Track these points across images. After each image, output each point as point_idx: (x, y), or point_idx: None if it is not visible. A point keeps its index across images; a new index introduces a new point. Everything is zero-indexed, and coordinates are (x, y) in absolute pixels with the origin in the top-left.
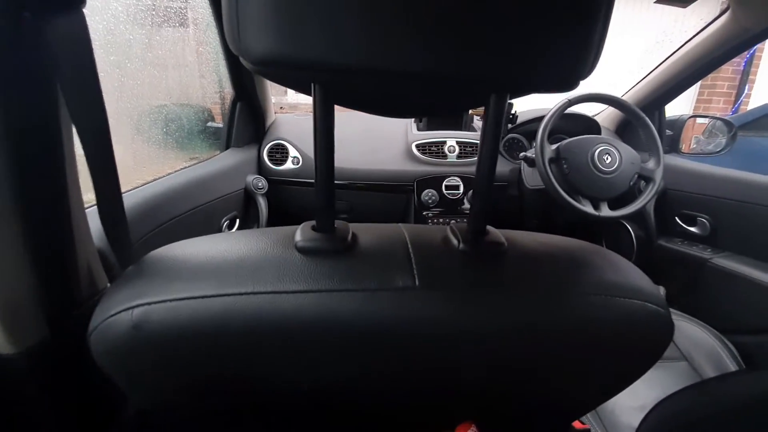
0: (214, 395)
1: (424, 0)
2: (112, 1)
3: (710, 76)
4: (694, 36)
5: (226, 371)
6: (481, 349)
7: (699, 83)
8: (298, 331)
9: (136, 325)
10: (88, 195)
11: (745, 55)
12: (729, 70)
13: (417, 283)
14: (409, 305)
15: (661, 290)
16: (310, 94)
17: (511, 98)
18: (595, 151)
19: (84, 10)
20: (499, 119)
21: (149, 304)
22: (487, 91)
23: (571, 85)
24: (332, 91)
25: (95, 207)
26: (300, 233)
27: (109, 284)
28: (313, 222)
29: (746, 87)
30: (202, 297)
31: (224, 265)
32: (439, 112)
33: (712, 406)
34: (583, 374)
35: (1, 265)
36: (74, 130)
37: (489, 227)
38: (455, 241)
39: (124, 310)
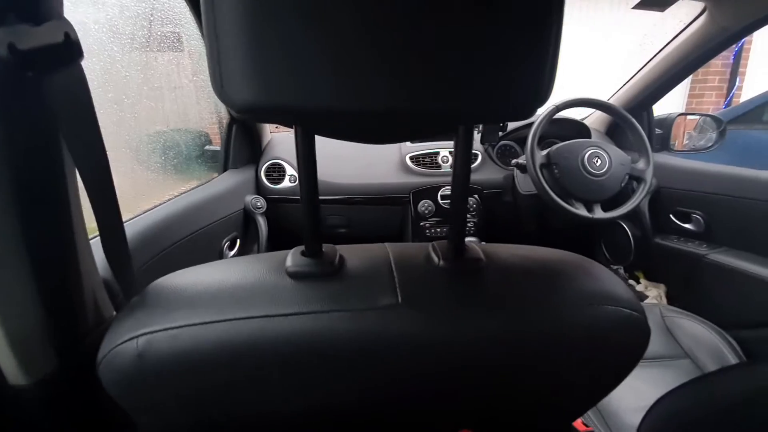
0: (216, 420)
1: (388, 47)
2: (108, 43)
3: (701, 71)
4: (674, 38)
5: (226, 395)
6: (464, 362)
7: (690, 78)
8: (291, 352)
9: (141, 353)
10: (93, 224)
11: (734, 49)
12: (719, 64)
13: (400, 300)
14: (393, 323)
15: (662, 288)
16: (292, 128)
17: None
18: (585, 154)
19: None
20: (468, 148)
21: (152, 332)
22: (454, 123)
23: (529, 113)
24: (312, 127)
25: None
26: (290, 259)
27: (114, 312)
28: (303, 247)
29: (737, 80)
30: (201, 324)
31: (220, 293)
32: (415, 140)
33: (710, 402)
34: (568, 381)
35: (10, 300)
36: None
37: (468, 243)
38: (436, 259)
39: (128, 339)
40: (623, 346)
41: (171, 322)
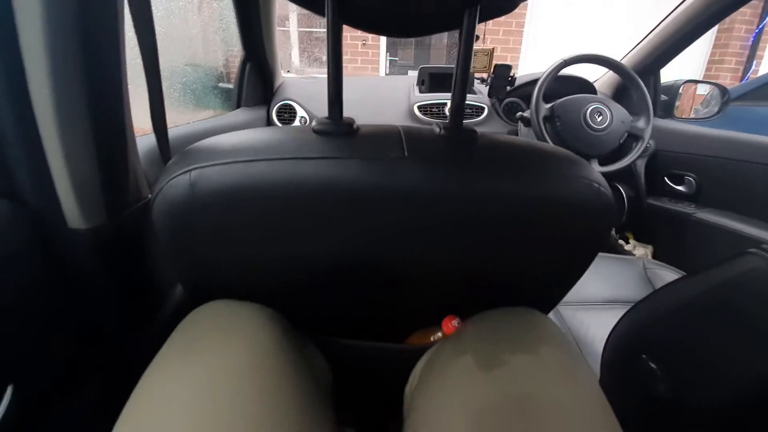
0: (250, 257)
1: None
2: None
3: (719, 51)
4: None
5: (261, 228)
6: (457, 215)
7: (707, 59)
8: (315, 191)
9: (193, 183)
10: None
11: (754, 30)
12: (738, 45)
13: (406, 154)
14: (399, 171)
15: (649, 248)
16: (323, 15)
17: (481, 20)
18: (588, 109)
19: None
20: (471, 32)
21: (203, 167)
22: (461, 5)
23: None
24: (339, 8)
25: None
26: (315, 121)
27: (150, 195)
28: (326, 115)
29: (754, 63)
30: (244, 161)
31: (257, 142)
32: (426, 32)
33: (665, 306)
34: (542, 248)
35: (76, 156)
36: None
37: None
38: (437, 130)
39: (183, 172)
40: (594, 218)
41: (219, 159)
